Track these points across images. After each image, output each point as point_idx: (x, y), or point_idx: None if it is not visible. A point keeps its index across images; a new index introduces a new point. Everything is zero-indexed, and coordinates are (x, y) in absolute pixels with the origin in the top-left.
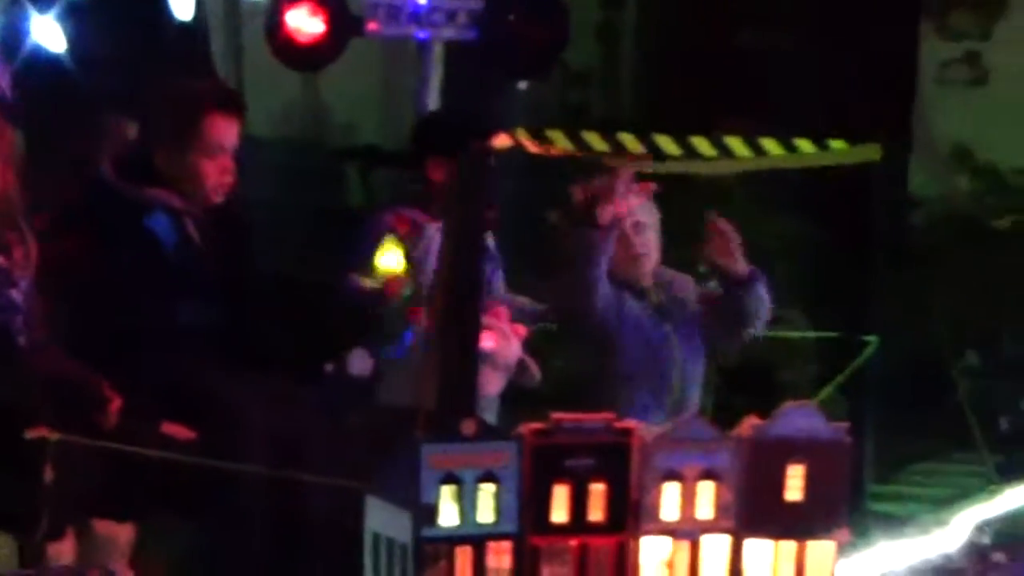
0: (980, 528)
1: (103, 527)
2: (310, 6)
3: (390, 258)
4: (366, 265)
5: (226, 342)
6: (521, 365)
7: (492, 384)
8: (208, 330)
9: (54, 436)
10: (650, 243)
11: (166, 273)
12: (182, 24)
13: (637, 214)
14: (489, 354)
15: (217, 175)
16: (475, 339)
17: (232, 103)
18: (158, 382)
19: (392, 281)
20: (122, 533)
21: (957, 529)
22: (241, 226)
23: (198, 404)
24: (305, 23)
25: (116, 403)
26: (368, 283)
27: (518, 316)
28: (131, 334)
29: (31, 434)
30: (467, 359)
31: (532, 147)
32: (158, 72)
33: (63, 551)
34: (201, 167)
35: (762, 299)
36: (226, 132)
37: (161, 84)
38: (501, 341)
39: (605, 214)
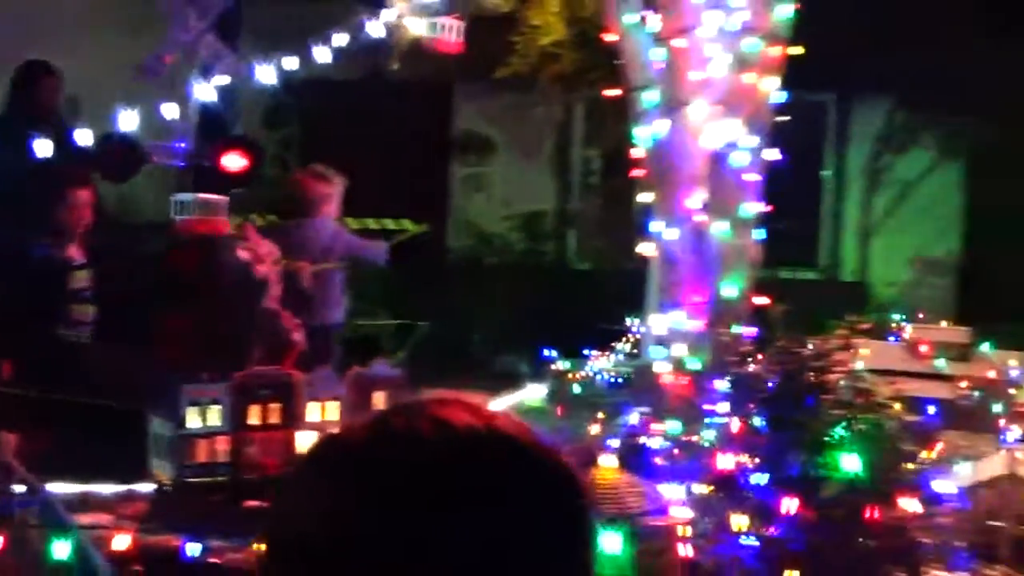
0: None
1: None
2: (120, 148)
3: None
4: None
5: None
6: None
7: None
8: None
9: None
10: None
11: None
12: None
13: None
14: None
15: (83, 220)
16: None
17: (86, 181)
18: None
19: None
20: (10, 438)
21: None
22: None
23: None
24: (117, 155)
25: (7, 367)
26: None
27: None
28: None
29: None
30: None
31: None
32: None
33: None
34: (75, 216)
35: None
36: (84, 197)
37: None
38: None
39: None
